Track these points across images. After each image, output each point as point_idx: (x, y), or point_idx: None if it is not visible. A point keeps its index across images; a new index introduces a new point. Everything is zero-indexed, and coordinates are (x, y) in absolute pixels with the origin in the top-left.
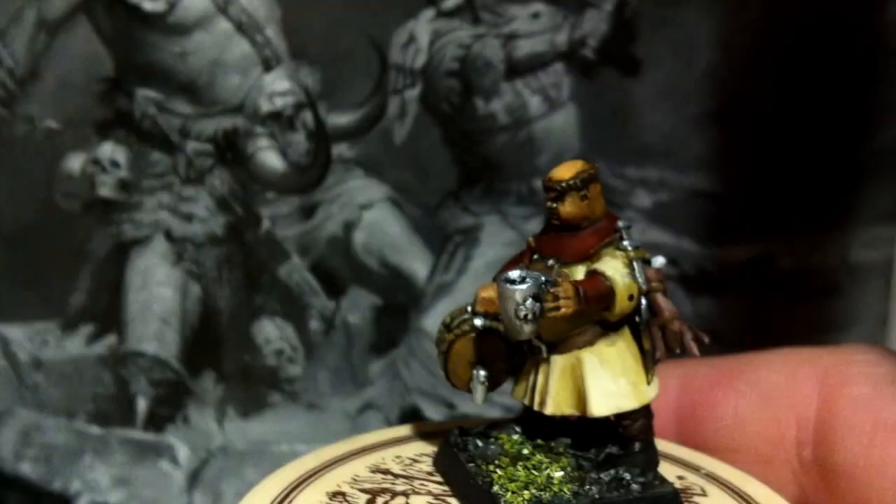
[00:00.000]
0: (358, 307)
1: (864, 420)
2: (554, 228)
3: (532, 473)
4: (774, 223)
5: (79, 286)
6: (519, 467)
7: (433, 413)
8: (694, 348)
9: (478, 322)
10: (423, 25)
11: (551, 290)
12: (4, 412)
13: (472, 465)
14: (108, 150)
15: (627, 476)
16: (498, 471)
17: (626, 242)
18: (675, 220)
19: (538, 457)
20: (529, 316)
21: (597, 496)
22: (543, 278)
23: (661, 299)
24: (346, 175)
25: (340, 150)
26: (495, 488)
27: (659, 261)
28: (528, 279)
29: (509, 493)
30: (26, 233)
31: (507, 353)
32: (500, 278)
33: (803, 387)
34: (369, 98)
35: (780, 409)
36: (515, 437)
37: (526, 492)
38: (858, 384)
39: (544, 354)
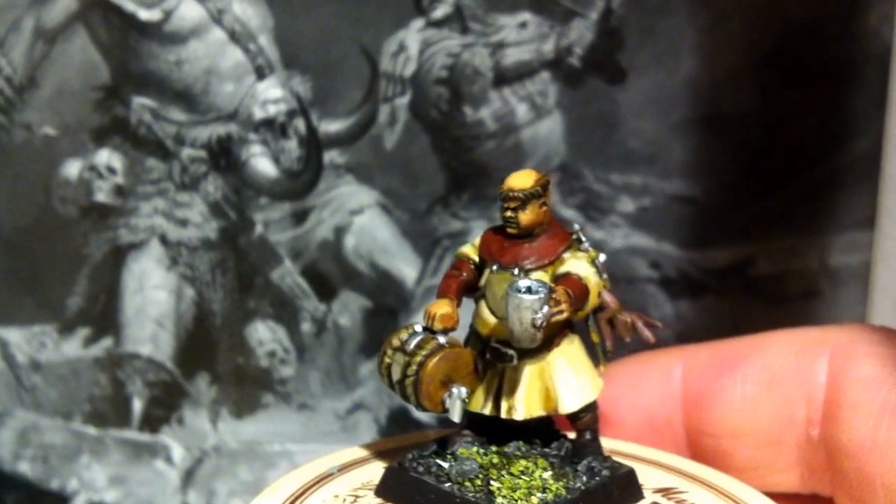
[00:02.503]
0: (348, 310)
1: (871, 401)
2: (507, 237)
3: (528, 479)
4: (754, 228)
5: (76, 290)
6: (515, 475)
7: (421, 413)
8: (648, 333)
9: (442, 340)
10: (412, 35)
11: (552, 296)
12: (3, 413)
13: (448, 485)
14: (105, 156)
15: (596, 464)
16: (493, 483)
17: (586, 244)
18: (657, 225)
19: (522, 462)
20: (543, 323)
21: (582, 487)
22: (547, 286)
23: (605, 294)
24: (337, 181)
25: (332, 156)
26: (499, 500)
27: (602, 257)
28: (540, 288)
29: (521, 502)
30: (24, 237)
31: (472, 366)
32: (511, 289)
33: (813, 366)
34: (360, 105)
35: (790, 390)
36: (474, 448)
37: (533, 498)
38: (867, 364)
39: (515, 361)
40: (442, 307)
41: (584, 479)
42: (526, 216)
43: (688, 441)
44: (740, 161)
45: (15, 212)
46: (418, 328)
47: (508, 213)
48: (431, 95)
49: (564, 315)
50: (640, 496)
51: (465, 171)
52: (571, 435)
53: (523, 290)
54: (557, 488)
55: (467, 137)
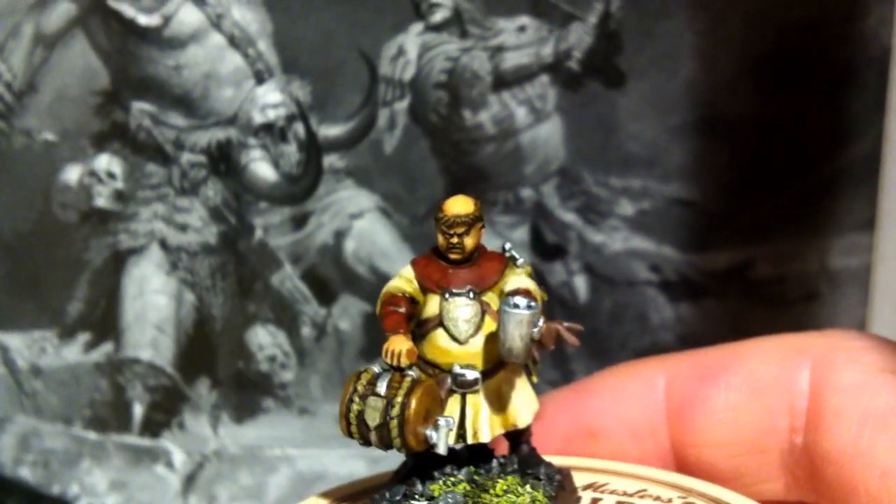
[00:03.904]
0: (348, 314)
1: (853, 409)
2: (447, 263)
3: (515, 497)
4: (754, 230)
5: (76, 295)
6: (501, 495)
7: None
8: (572, 338)
9: (414, 375)
10: (411, 38)
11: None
12: (4, 418)
13: None
14: (105, 161)
15: (549, 471)
16: None
17: (520, 260)
18: (656, 228)
19: (499, 483)
20: (538, 337)
21: (553, 494)
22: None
23: None
24: (336, 185)
25: (331, 160)
26: None
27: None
28: (532, 302)
29: None
30: (25, 243)
31: (441, 397)
32: (508, 306)
33: (795, 374)
34: (359, 110)
35: (773, 399)
36: (440, 482)
37: None
38: (848, 372)
39: (479, 385)
40: (403, 343)
41: (548, 486)
42: (470, 240)
43: (673, 452)
44: (740, 164)
45: (15, 217)
46: (377, 369)
47: (455, 240)
48: (431, 99)
49: (546, 326)
50: (578, 494)
51: (464, 174)
52: (500, 451)
53: (522, 306)
54: (542, 499)
55: (466, 141)
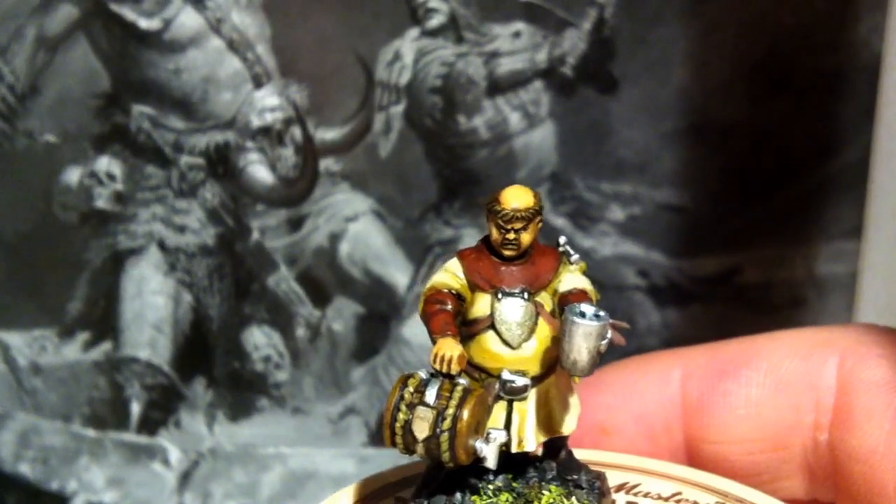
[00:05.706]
0: (342, 316)
1: (885, 406)
2: (499, 259)
3: None
4: (742, 237)
5: (76, 294)
6: None
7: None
8: (619, 338)
9: (464, 382)
10: (407, 44)
11: None
12: (4, 415)
13: None
14: (105, 163)
15: (589, 476)
16: None
17: (575, 256)
18: (646, 233)
19: (544, 494)
20: (605, 350)
21: (597, 502)
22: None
23: None
24: (332, 188)
25: (327, 164)
26: None
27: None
28: (601, 312)
29: None
30: (25, 243)
31: (489, 405)
32: (576, 316)
33: (821, 369)
34: (355, 114)
35: (798, 395)
36: (491, 488)
37: None
38: (878, 367)
39: (528, 392)
40: (454, 348)
41: (590, 495)
42: (527, 236)
43: (686, 448)
44: (729, 170)
45: (16, 217)
46: (424, 374)
47: (511, 236)
48: (426, 104)
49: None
50: (612, 497)
51: (457, 178)
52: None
53: (589, 315)
54: None
55: (461, 146)
